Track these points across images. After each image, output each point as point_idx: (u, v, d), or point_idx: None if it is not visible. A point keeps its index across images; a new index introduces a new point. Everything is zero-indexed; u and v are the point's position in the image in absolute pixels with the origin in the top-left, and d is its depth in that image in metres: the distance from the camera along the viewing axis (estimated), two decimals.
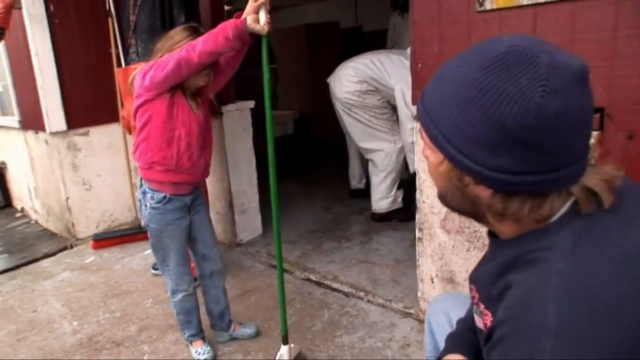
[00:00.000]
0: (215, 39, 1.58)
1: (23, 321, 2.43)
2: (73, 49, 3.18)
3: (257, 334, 2.12)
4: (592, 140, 0.71)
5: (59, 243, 3.44)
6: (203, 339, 2.03)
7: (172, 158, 1.72)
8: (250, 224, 3.13)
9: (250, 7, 1.60)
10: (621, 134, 1.48)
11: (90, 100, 3.09)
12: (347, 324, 2.16)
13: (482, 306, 0.79)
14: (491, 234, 0.82)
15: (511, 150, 0.62)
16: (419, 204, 2.02)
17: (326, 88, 4.26)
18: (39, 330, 2.33)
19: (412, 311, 2.20)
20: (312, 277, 2.60)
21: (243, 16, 1.60)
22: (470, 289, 0.86)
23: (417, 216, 2.05)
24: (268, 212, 3.51)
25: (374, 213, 3.40)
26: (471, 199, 0.72)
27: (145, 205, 1.78)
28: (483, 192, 0.68)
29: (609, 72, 1.46)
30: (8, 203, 4.46)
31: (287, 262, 2.80)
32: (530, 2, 1.55)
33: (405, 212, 3.32)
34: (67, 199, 3.34)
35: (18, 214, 4.27)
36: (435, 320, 1.22)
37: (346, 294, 2.41)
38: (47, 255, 3.25)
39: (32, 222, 4.04)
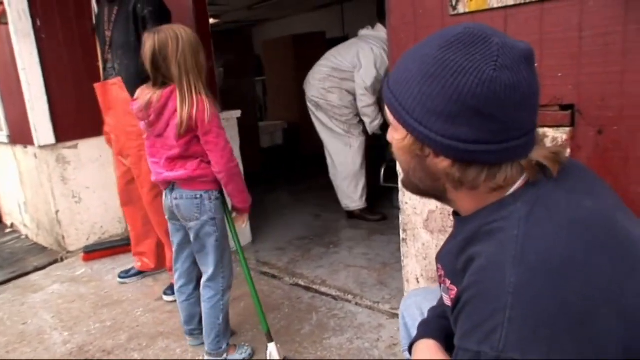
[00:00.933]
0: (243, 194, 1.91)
1: (13, 333, 2.43)
2: (60, 63, 3.21)
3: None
4: (562, 136, 0.77)
5: (50, 256, 3.44)
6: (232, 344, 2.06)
7: None
8: (240, 231, 3.12)
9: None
10: (591, 129, 1.53)
11: (78, 114, 3.13)
12: (335, 326, 2.19)
13: (448, 282, 0.84)
14: (455, 214, 0.87)
15: (467, 119, 0.68)
16: (402, 205, 2.06)
17: None
18: (29, 342, 2.33)
19: (399, 312, 2.22)
20: (301, 282, 2.62)
21: None
22: (437, 268, 0.90)
23: (400, 217, 2.09)
24: (258, 220, 3.58)
25: (345, 211, 3.57)
26: (432, 173, 0.77)
27: (210, 199, 1.84)
28: (443, 163, 0.74)
29: (577, 70, 1.51)
30: None
31: (276, 268, 2.83)
32: (500, 5, 1.61)
33: (373, 213, 3.52)
34: (57, 212, 3.35)
35: (8, 230, 4.27)
36: (408, 314, 1.26)
37: (334, 298, 2.44)
38: (37, 269, 3.25)
39: (22, 237, 4.04)
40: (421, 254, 2.06)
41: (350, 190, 3.48)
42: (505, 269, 0.65)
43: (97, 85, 2.60)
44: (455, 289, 0.80)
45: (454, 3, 1.71)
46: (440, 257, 0.90)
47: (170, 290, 2.62)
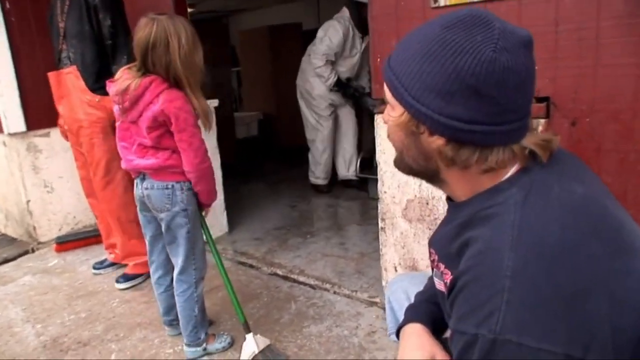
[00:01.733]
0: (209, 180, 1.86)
1: None
2: (32, 48, 3.12)
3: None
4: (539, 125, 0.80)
5: (19, 247, 3.35)
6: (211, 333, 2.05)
7: None
8: (215, 222, 3.14)
9: None
10: (565, 120, 1.59)
11: (51, 101, 3.01)
12: (314, 314, 2.21)
13: (441, 266, 0.85)
14: (449, 200, 0.89)
15: (464, 99, 0.70)
16: (381, 195, 2.09)
17: (289, 89, 4.36)
18: (0, 335, 2.28)
19: (377, 300, 2.27)
20: (279, 272, 2.64)
21: None
22: (430, 253, 0.92)
23: (379, 206, 2.12)
24: (234, 210, 3.57)
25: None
26: (425, 151, 0.79)
27: (182, 189, 1.80)
28: (437, 141, 0.76)
29: (553, 63, 1.57)
30: None
31: (253, 258, 2.84)
32: None
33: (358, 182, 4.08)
34: (28, 202, 3.26)
35: None
36: (395, 298, 1.28)
37: (312, 287, 2.46)
38: (6, 260, 3.16)
39: None
40: (399, 242, 2.10)
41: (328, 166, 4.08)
42: (503, 253, 0.67)
43: (50, 74, 2.61)
44: (450, 273, 0.81)
45: None
46: (433, 242, 0.92)
47: (122, 278, 2.65)
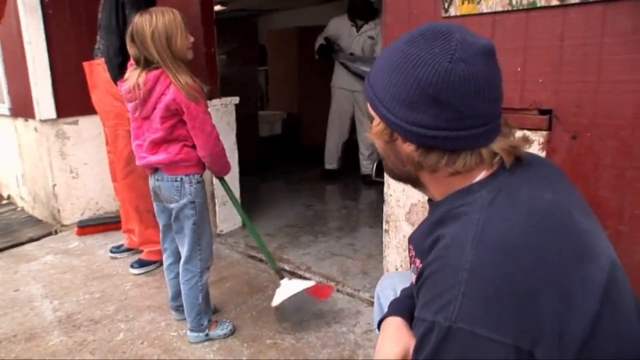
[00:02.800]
0: (222, 158, 1.98)
1: (5, 299, 2.51)
2: (66, 39, 3.28)
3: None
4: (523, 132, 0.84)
5: (44, 229, 3.52)
6: (214, 320, 2.14)
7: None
8: (230, 216, 3.23)
9: None
10: (566, 134, 1.61)
11: (81, 91, 3.15)
12: (315, 309, 2.27)
13: (417, 262, 0.90)
14: (430, 200, 0.95)
15: (426, 107, 0.76)
16: (386, 197, 2.14)
17: (314, 90, 4.45)
18: (20, 308, 2.41)
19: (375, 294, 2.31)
20: (287, 267, 2.70)
21: None
22: (409, 249, 0.98)
23: (384, 209, 2.17)
24: (250, 206, 3.66)
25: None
26: (401, 157, 0.85)
27: (190, 182, 1.89)
28: (408, 148, 0.82)
29: (557, 77, 1.59)
30: None
31: None
32: (489, 10, 1.68)
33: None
34: (54, 186, 3.42)
35: (4, 201, 4.35)
36: (383, 295, 1.33)
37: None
38: (31, 240, 3.33)
39: (19, 209, 4.12)
40: (402, 245, 2.14)
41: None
42: (465, 248, 0.71)
43: (85, 64, 2.76)
44: None
45: (446, 6, 1.78)
46: (412, 239, 0.97)
47: (136, 263, 2.76)
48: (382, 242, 2.98)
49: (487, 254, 0.70)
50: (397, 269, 2.19)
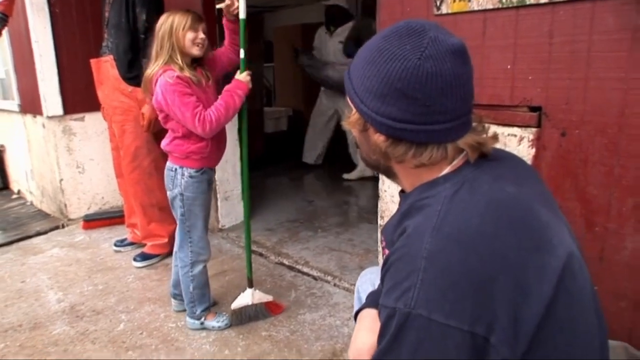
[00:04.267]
0: (233, 106, 1.92)
1: (12, 290, 2.58)
2: (72, 38, 3.35)
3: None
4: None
5: (51, 223, 3.60)
6: (212, 311, 2.19)
7: (206, 147, 1.94)
8: (232, 211, 3.28)
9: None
10: (556, 131, 1.62)
11: (87, 88, 3.23)
12: (311, 303, 2.31)
13: (386, 252, 0.94)
14: (402, 192, 0.97)
15: (395, 100, 0.79)
16: (381, 193, 2.17)
17: (317, 87, 4.49)
18: (26, 298, 2.48)
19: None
20: (285, 262, 2.74)
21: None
22: (381, 241, 1.01)
23: (379, 205, 2.20)
24: (252, 201, 3.70)
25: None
26: (373, 147, 0.88)
27: (183, 175, 1.94)
28: (379, 138, 0.85)
29: (546, 74, 1.60)
30: (5, 185, 4.63)
31: (263, 247, 2.96)
32: (479, 8, 1.70)
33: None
34: (61, 180, 3.50)
35: (14, 196, 4.44)
36: (362, 289, 1.35)
37: (315, 278, 2.56)
38: (39, 234, 3.41)
39: (28, 203, 4.20)
40: None
41: None
42: (424, 237, 0.74)
43: (92, 61, 2.81)
44: None
45: (438, 4, 1.80)
46: (383, 230, 1.00)
47: (139, 257, 2.81)
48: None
49: (444, 242, 0.73)
50: None
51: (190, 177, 1.95)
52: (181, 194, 1.95)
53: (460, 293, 0.69)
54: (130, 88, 2.66)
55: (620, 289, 1.53)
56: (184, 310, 2.17)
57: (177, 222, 2.03)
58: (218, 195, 3.16)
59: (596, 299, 0.81)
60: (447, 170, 0.85)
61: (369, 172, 4.27)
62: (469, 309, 0.68)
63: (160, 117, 1.92)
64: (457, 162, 0.85)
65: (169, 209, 2.82)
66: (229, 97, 1.91)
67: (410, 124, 0.79)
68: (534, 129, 1.66)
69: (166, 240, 2.84)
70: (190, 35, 1.87)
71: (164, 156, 2.81)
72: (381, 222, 2.21)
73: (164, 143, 1.98)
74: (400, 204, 0.96)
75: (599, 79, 1.50)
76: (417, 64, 0.76)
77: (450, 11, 1.77)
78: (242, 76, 1.97)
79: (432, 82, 0.77)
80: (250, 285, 2.12)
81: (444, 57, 0.77)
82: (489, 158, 0.86)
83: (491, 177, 0.82)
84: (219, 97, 1.93)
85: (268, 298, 2.18)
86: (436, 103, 0.78)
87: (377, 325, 1.03)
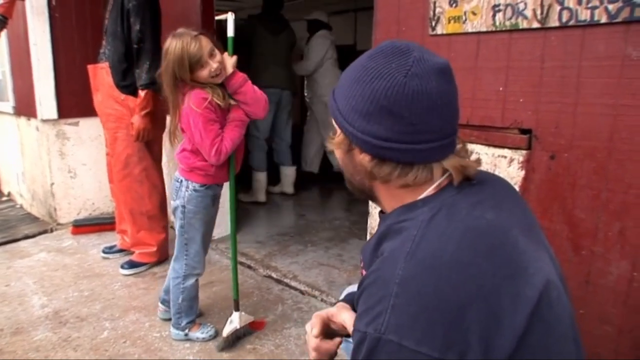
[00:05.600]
0: (239, 136, 1.90)
1: None
2: (71, 43, 3.36)
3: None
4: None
5: (40, 226, 3.57)
6: (197, 322, 2.17)
7: (211, 166, 1.91)
8: (222, 222, 3.25)
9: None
10: (545, 154, 1.64)
11: (83, 93, 3.23)
12: (297, 318, 2.29)
13: (364, 273, 0.93)
14: (381, 213, 0.96)
15: (380, 118, 0.78)
16: (370, 210, 2.17)
17: None
18: (9, 302, 2.45)
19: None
20: (273, 275, 2.73)
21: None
22: (361, 261, 1.00)
23: (369, 221, 2.20)
24: (243, 213, 3.70)
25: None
26: (357, 168, 0.87)
27: (187, 188, 1.93)
28: (364, 159, 0.84)
29: (537, 97, 1.62)
30: None
31: (252, 259, 2.95)
32: (474, 30, 1.73)
33: None
34: (52, 184, 3.48)
35: (4, 198, 4.41)
36: (348, 298, 1.35)
37: (302, 292, 2.54)
38: (27, 237, 3.38)
39: (17, 206, 4.17)
40: None
41: None
42: (398, 263, 0.73)
43: (89, 67, 2.82)
44: None
45: (433, 24, 1.82)
46: (362, 251, 0.99)
47: (127, 264, 2.80)
48: None
49: (417, 269, 0.72)
50: None
51: (195, 190, 1.93)
52: (183, 206, 1.94)
53: (431, 320, 0.68)
54: (123, 96, 2.65)
55: (606, 313, 1.53)
56: (169, 320, 2.15)
57: (177, 234, 2.02)
58: None
59: (575, 327, 0.80)
60: (427, 192, 0.84)
61: (262, 198, 4.25)
62: (441, 336, 0.67)
63: (182, 124, 1.89)
64: (439, 183, 0.84)
65: (158, 218, 2.84)
66: (236, 130, 1.88)
67: (396, 143, 0.79)
68: (524, 151, 1.67)
69: (155, 249, 2.83)
70: (204, 72, 1.80)
71: (156, 165, 2.83)
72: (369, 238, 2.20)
73: (176, 151, 1.98)
74: (379, 225, 0.94)
75: (588, 104, 1.52)
76: (402, 81, 0.76)
77: (445, 32, 1.80)
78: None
79: (418, 100, 0.77)
80: (237, 309, 2.09)
81: (429, 76, 0.77)
82: (471, 181, 0.86)
83: (470, 202, 0.81)
84: (227, 126, 1.88)
85: (251, 318, 2.16)
86: (422, 122, 0.78)
87: (341, 307, 1.03)
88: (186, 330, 2.09)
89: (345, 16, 6.77)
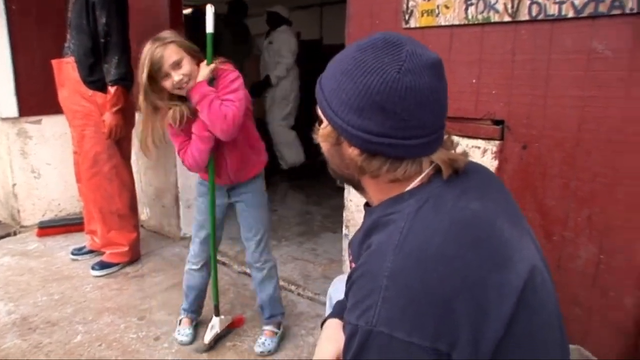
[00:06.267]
0: (200, 149, 1.78)
1: None
2: (31, 37, 3.21)
3: None
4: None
5: (2, 230, 3.42)
6: (192, 321, 2.13)
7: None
8: (191, 221, 3.21)
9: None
10: (517, 144, 1.69)
11: (45, 90, 3.11)
12: (284, 335, 2.26)
13: (353, 266, 0.94)
14: (367, 205, 0.97)
15: (372, 113, 0.78)
16: (346, 202, 2.19)
17: None
18: None
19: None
20: (248, 271, 2.70)
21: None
22: (348, 254, 1.01)
23: (344, 214, 2.21)
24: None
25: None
26: (345, 160, 0.87)
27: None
28: (353, 152, 0.83)
29: (508, 90, 1.67)
30: None
31: (226, 256, 2.92)
32: (447, 24, 1.75)
33: None
34: (14, 185, 3.35)
35: None
36: (335, 297, 1.35)
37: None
38: None
39: None
40: None
41: None
42: (386, 255, 0.74)
43: (53, 62, 2.72)
44: None
45: (406, 17, 1.84)
46: (351, 243, 1.00)
47: (97, 265, 2.73)
48: (344, 248, 3.03)
49: (406, 261, 0.73)
50: None
51: (198, 178, 1.99)
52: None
53: (420, 312, 0.70)
54: (90, 92, 2.57)
55: (576, 295, 1.60)
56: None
57: None
58: (180, 203, 3.11)
59: (559, 315, 0.83)
60: (412, 184, 0.84)
61: None
62: (431, 326, 0.69)
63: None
64: (426, 173, 0.85)
65: (129, 217, 2.78)
66: (194, 144, 1.77)
67: (387, 138, 0.79)
68: (496, 142, 1.72)
69: (126, 248, 2.76)
70: (167, 83, 1.70)
71: (125, 162, 2.76)
72: (346, 231, 2.22)
73: None
74: (365, 218, 0.95)
75: (558, 96, 1.57)
76: (396, 77, 0.76)
77: (418, 25, 1.82)
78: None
79: (410, 96, 0.77)
80: (217, 314, 2.06)
81: (422, 72, 0.77)
82: (457, 174, 0.86)
83: (456, 193, 0.82)
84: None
85: (230, 319, 2.14)
86: (414, 117, 0.78)
87: (339, 334, 1.03)
88: (181, 316, 2.15)
89: (311, 10, 6.76)
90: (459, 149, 0.92)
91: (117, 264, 2.75)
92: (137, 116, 2.50)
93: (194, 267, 2.07)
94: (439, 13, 1.76)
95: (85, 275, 2.70)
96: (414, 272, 0.72)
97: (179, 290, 2.48)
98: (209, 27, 1.73)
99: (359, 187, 0.95)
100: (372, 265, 0.76)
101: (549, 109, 1.60)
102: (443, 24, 1.76)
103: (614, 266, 1.53)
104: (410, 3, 1.81)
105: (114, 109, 2.50)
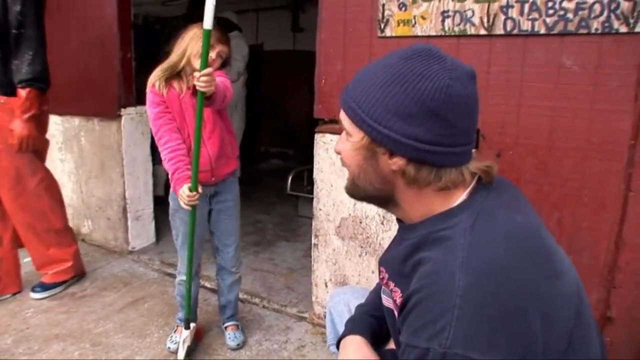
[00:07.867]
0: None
1: None
2: None
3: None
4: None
5: None
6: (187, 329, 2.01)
7: None
8: (143, 231, 3.04)
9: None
10: (492, 152, 1.75)
11: None
12: (243, 327, 2.20)
13: (391, 284, 0.90)
14: (400, 221, 0.94)
15: (424, 120, 0.77)
16: (315, 212, 2.16)
17: None
18: None
19: (306, 315, 2.31)
20: (207, 285, 2.60)
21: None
22: (380, 271, 0.97)
23: (313, 223, 2.18)
24: (163, 221, 3.46)
25: None
26: (383, 174, 0.84)
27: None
28: (398, 162, 0.81)
29: (484, 100, 1.72)
30: None
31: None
32: (423, 34, 1.79)
33: None
34: None
35: None
36: (336, 311, 1.31)
37: (242, 300, 2.45)
38: None
39: None
40: (331, 259, 2.17)
41: None
42: (455, 274, 0.72)
43: None
44: (400, 291, 0.87)
45: (382, 27, 1.86)
46: (383, 261, 0.97)
47: (38, 287, 2.47)
48: (302, 256, 3.00)
49: (476, 278, 0.72)
50: (326, 284, 2.21)
51: (173, 194, 1.86)
52: (169, 203, 1.93)
53: (496, 327, 0.69)
54: (3, 99, 2.21)
55: None
56: None
57: None
58: (128, 215, 2.91)
59: (592, 316, 0.86)
60: (460, 199, 0.84)
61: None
62: (503, 343, 0.68)
63: None
64: (472, 187, 0.85)
65: (65, 230, 2.54)
66: (228, 90, 1.83)
67: (437, 146, 0.78)
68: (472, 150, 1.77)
69: (70, 263, 2.52)
70: (212, 53, 1.80)
71: (50, 173, 2.50)
72: (315, 240, 2.19)
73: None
74: (401, 234, 0.93)
75: (531, 106, 1.65)
76: (449, 83, 0.76)
77: (394, 34, 1.84)
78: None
79: (462, 103, 0.77)
80: (187, 327, 1.96)
81: (466, 81, 0.79)
82: (491, 185, 0.87)
83: (499, 205, 0.83)
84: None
85: (195, 328, 2.04)
86: (462, 125, 0.79)
87: (363, 351, 1.01)
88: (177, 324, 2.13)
89: (246, 16, 6.66)
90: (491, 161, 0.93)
91: (62, 283, 2.50)
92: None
93: (182, 277, 1.99)
94: (415, 23, 1.78)
95: (24, 299, 2.43)
96: (485, 288, 0.71)
97: (136, 309, 2.33)
98: (207, 24, 1.52)
99: (390, 203, 0.91)
100: (440, 285, 0.74)
101: (522, 118, 1.68)
102: (419, 34, 1.79)
103: (581, 264, 1.62)
104: (387, 12, 1.83)
105: (26, 115, 2.13)
